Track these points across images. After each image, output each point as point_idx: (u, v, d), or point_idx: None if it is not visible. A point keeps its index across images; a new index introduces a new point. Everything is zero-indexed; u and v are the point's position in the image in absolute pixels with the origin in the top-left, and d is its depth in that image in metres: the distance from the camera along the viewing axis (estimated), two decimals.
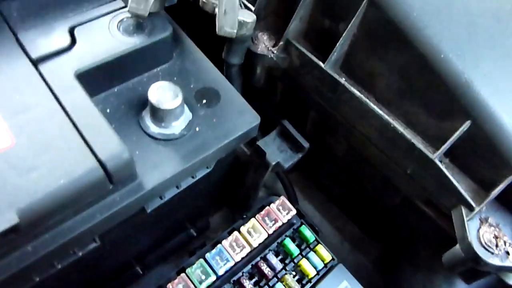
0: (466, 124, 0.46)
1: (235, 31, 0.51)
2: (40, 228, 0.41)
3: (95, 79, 0.50)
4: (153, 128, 0.50)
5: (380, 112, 0.51)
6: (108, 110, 0.51)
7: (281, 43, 0.57)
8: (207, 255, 0.59)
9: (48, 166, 0.40)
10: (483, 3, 0.51)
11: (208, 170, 0.56)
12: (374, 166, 0.57)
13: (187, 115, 0.52)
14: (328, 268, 0.61)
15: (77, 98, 0.46)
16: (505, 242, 0.46)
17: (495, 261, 0.45)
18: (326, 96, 0.56)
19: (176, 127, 0.51)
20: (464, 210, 0.47)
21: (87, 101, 0.45)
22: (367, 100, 0.52)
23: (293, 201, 0.77)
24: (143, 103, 0.52)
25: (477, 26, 0.49)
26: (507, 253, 0.45)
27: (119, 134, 0.44)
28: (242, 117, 0.54)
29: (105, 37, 0.51)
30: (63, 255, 0.46)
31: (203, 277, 0.57)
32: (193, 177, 0.55)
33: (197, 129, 0.52)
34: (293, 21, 0.56)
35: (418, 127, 0.51)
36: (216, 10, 0.51)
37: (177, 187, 0.54)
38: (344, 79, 0.55)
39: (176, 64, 0.57)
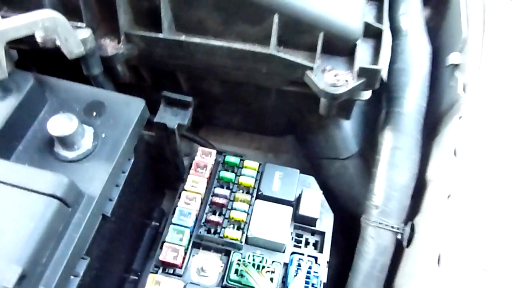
0: (276, 17, 0.62)
1: (82, 48, 0.61)
2: (38, 267, 0.50)
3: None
4: (70, 155, 0.60)
5: (221, 43, 0.65)
6: (26, 164, 0.59)
7: (122, 37, 0.68)
8: (173, 220, 0.71)
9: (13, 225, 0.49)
10: None
11: (131, 161, 0.67)
12: (243, 84, 0.73)
13: (88, 130, 0.62)
14: (261, 172, 0.77)
15: None
16: (342, 75, 0.64)
17: (342, 89, 0.63)
18: (179, 56, 0.69)
19: (86, 143, 0.60)
20: (309, 73, 0.65)
21: (7, 163, 0.53)
22: (207, 41, 0.66)
23: (210, 146, 0.91)
24: (49, 142, 0.60)
25: None
26: (346, 80, 0.64)
27: None
28: (130, 107, 0.65)
29: None
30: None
31: (180, 235, 0.70)
32: (123, 172, 0.66)
33: (103, 135, 0.62)
34: (120, 17, 0.66)
35: (250, 38, 0.66)
36: (58, 42, 0.60)
37: (117, 186, 0.64)
38: (184, 36, 0.68)
39: (54, 101, 0.65)
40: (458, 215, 0.56)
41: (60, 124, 0.58)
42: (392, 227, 0.65)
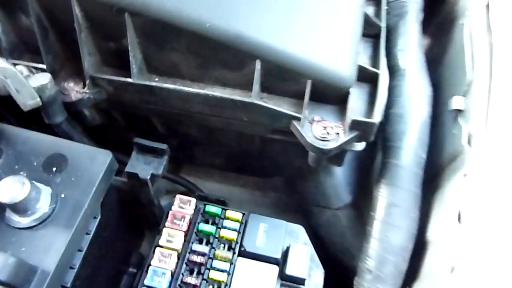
0: (258, 64, 0.55)
1: (38, 99, 0.54)
2: None
3: None
4: (24, 221, 0.53)
5: (196, 90, 0.58)
6: None
7: (87, 81, 0.61)
8: (145, 281, 0.64)
9: None
10: None
11: (97, 219, 0.60)
12: (223, 129, 0.66)
13: (45, 190, 0.55)
14: (244, 223, 0.70)
15: None
16: (332, 127, 0.57)
17: (332, 144, 0.56)
18: (151, 101, 0.62)
19: (43, 206, 0.53)
20: (295, 123, 0.58)
21: None
22: (182, 87, 0.59)
23: (192, 188, 0.84)
24: (0, 206, 0.53)
25: None
26: (337, 133, 0.57)
27: None
28: (95, 161, 0.58)
29: None
30: None
31: None
32: (88, 233, 0.59)
33: (63, 195, 0.55)
34: (84, 58, 0.59)
35: (229, 83, 0.59)
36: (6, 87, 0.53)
37: (80, 250, 0.57)
38: (156, 79, 0.61)
39: (9, 153, 0.58)
40: None
41: (9, 189, 0.51)
42: None
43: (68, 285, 0.55)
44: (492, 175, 0.55)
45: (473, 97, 0.62)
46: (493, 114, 0.59)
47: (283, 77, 0.57)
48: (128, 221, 0.78)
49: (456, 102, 0.64)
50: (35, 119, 0.62)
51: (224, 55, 0.56)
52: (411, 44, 0.71)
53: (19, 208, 0.51)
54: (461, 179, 0.57)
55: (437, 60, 0.80)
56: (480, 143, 0.58)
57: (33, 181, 0.53)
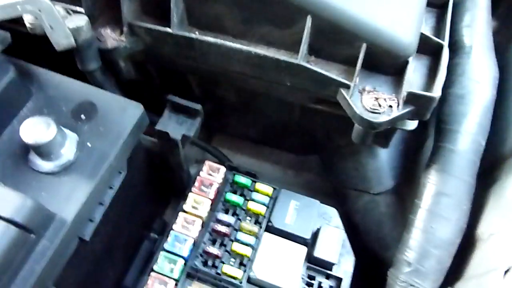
0: (309, 21, 0.50)
1: (72, 39, 0.51)
2: None
3: None
4: (46, 165, 0.50)
5: (239, 46, 0.54)
6: None
7: (125, 29, 0.57)
8: (165, 246, 0.61)
9: None
10: None
11: (122, 175, 0.57)
12: (263, 94, 0.61)
13: (71, 137, 0.52)
14: (274, 199, 0.66)
15: None
16: (385, 99, 0.51)
17: (383, 117, 0.50)
18: (190, 56, 0.58)
19: (67, 153, 0.51)
20: (344, 91, 0.52)
21: None
22: (224, 42, 0.54)
23: (222, 159, 0.80)
24: (25, 148, 0.51)
25: None
26: (390, 106, 0.51)
27: (17, 187, 0.44)
28: (125, 113, 0.55)
29: None
30: None
31: (172, 265, 0.60)
32: (111, 188, 0.56)
33: (89, 144, 0.53)
34: (123, 3, 0.56)
35: (275, 42, 0.54)
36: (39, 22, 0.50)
37: (101, 204, 0.55)
38: (197, 32, 0.57)
39: (39, 97, 0.56)
40: None
41: (34, 129, 0.48)
42: None
43: (87, 237, 0.53)
44: None
45: None
46: None
47: (336, 38, 0.51)
48: (155, 184, 0.76)
49: None
50: (69, 65, 0.59)
51: (273, 9, 0.51)
52: (479, 20, 0.64)
53: (43, 151, 0.49)
54: None
55: (504, 44, 0.72)
56: None
57: (60, 126, 0.50)
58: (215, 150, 0.81)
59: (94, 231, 0.54)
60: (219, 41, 0.54)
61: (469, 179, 0.55)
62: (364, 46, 0.50)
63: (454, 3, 0.65)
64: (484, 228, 0.55)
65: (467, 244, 0.55)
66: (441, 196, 0.55)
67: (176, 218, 0.64)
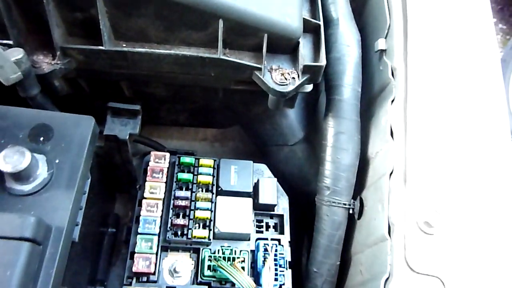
0: (221, 23, 0.63)
1: (19, 72, 0.56)
2: None
3: None
4: (26, 188, 0.57)
5: (166, 51, 0.65)
6: None
7: (57, 53, 0.63)
8: (139, 229, 0.72)
9: None
10: None
11: (89, 180, 0.66)
12: (190, 86, 0.73)
13: (41, 158, 0.58)
14: (216, 169, 0.80)
15: None
16: (288, 73, 0.68)
17: (290, 87, 0.67)
18: (122, 66, 0.67)
19: (41, 173, 0.58)
20: (257, 73, 0.67)
21: None
22: (152, 50, 0.64)
23: (161, 148, 0.90)
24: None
25: None
26: (293, 78, 0.68)
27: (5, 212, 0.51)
28: (79, 126, 0.63)
29: None
30: None
31: (149, 243, 0.71)
32: (84, 193, 0.64)
33: (57, 161, 0.60)
34: (53, 30, 0.62)
35: (194, 43, 0.66)
36: None
37: (80, 208, 0.63)
38: (124, 45, 0.66)
39: None
40: (400, 190, 0.65)
41: (11, 159, 0.54)
42: (344, 204, 0.73)
43: (76, 239, 0.61)
44: (414, 98, 0.70)
45: (393, 38, 0.76)
46: (410, 50, 0.73)
47: (243, 33, 0.65)
48: (105, 183, 0.83)
49: (380, 44, 0.78)
50: (7, 95, 0.64)
51: (190, 17, 0.62)
52: None
53: (22, 176, 0.55)
54: (390, 103, 0.72)
55: (359, 9, 0.94)
56: (402, 74, 0.73)
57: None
58: (149, 140, 0.91)
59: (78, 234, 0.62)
60: (149, 50, 0.64)
61: (355, 117, 0.76)
62: (265, 36, 0.65)
63: None
64: (371, 149, 0.76)
65: (363, 163, 0.76)
66: (339, 134, 0.75)
67: (140, 206, 0.74)
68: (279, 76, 0.67)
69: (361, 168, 0.76)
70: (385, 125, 0.72)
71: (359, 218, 0.74)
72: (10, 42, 0.61)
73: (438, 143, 0.67)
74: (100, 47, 0.63)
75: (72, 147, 0.61)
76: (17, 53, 0.58)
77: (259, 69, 0.67)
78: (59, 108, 0.74)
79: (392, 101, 0.72)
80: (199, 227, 0.75)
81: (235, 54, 0.68)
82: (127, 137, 0.71)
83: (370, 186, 0.73)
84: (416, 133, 0.68)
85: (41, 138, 0.61)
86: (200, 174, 0.78)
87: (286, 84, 0.67)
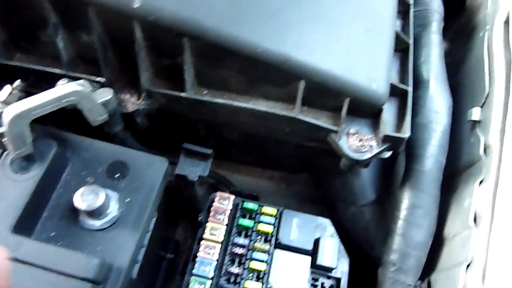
0: (302, 83, 0.61)
1: (106, 115, 0.60)
2: None
3: (25, 224, 0.57)
4: (97, 223, 0.60)
5: (244, 104, 0.65)
6: (52, 234, 0.59)
7: (143, 94, 0.66)
8: (194, 271, 0.73)
9: None
10: None
11: (155, 218, 0.68)
12: (264, 137, 0.72)
13: (113, 196, 0.61)
14: (278, 219, 0.78)
15: (26, 246, 0.54)
16: (366, 140, 0.64)
17: (367, 155, 0.63)
18: (201, 112, 0.68)
19: (112, 210, 0.60)
20: (333, 135, 0.64)
21: (41, 245, 0.53)
22: (231, 102, 0.65)
23: (225, 183, 0.91)
24: (74, 209, 0.60)
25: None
26: (371, 146, 0.64)
27: (74, 245, 0.54)
28: (153, 167, 0.65)
29: (7, 185, 0.57)
30: None
31: (202, 286, 0.72)
32: (148, 232, 0.66)
33: (128, 200, 0.62)
34: (142, 73, 0.65)
35: (273, 97, 0.65)
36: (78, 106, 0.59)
37: (143, 246, 0.65)
38: (205, 91, 0.67)
39: (75, 161, 0.64)
40: (479, 285, 0.58)
41: (87, 197, 0.57)
42: (409, 285, 0.67)
43: (134, 276, 0.63)
44: (507, 183, 0.62)
45: (490, 109, 0.69)
46: (510, 126, 0.66)
47: (324, 94, 0.63)
48: (170, 213, 0.86)
49: (474, 114, 0.71)
50: (91, 127, 0.68)
51: (272, 75, 0.62)
52: (434, 56, 0.77)
53: (95, 213, 0.58)
54: (477, 185, 0.65)
55: (455, 66, 0.87)
56: (496, 153, 0.65)
57: (104, 188, 0.59)
58: (216, 174, 0.92)
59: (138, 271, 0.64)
60: (227, 101, 0.65)
61: (435, 191, 0.70)
62: (347, 99, 0.62)
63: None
64: (449, 230, 0.69)
65: (437, 243, 0.70)
66: (414, 208, 0.69)
67: (198, 245, 0.75)
68: (356, 142, 0.64)
69: (433, 246, 0.70)
70: (469, 207, 0.65)
71: None
72: (100, 79, 0.65)
73: None
74: (182, 94, 0.65)
75: (144, 187, 0.63)
76: (107, 94, 0.62)
77: (335, 131, 0.64)
78: (137, 138, 0.78)
79: (481, 182, 0.65)
80: (252, 278, 0.73)
81: (312, 113, 0.66)
82: (197, 178, 0.72)
83: (442, 271, 0.67)
84: (505, 224, 0.60)
85: (117, 175, 0.64)
86: (261, 222, 0.77)
87: (363, 152, 0.63)
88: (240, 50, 0.59)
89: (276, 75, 0.61)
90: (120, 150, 0.66)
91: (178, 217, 0.96)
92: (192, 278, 0.72)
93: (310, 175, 0.91)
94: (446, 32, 0.90)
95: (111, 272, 0.57)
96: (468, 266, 0.60)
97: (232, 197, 0.79)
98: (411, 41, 0.71)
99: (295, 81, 0.61)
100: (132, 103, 0.68)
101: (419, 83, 0.75)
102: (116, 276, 0.57)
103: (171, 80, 0.67)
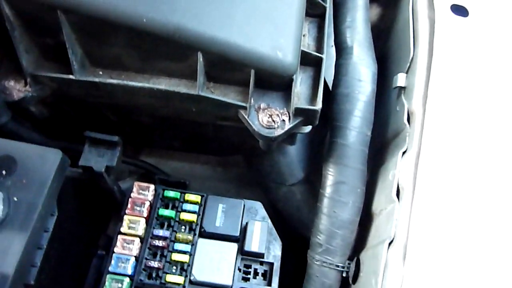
0: (200, 56, 0.55)
1: None
2: None
3: None
4: None
5: (141, 84, 0.58)
6: None
7: (28, 79, 0.59)
8: (110, 268, 0.67)
9: None
10: None
11: (55, 216, 0.61)
12: (177, 119, 0.66)
13: None
14: (203, 205, 0.73)
15: None
16: (278, 115, 0.58)
17: (278, 131, 0.58)
18: (97, 95, 0.61)
19: None
20: (242, 112, 0.59)
21: None
22: (126, 82, 0.58)
23: (153, 171, 0.85)
24: None
25: None
26: (283, 120, 0.58)
27: None
28: (45, 161, 0.58)
29: None
30: None
31: (119, 284, 0.66)
32: (46, 231, 0.60)
33: (15, 198, 0.56)
34: (22, 56, 0.57)
35: (175, 74, 0.59)
36: None
37: (40, 248, 0.59)
38: (100, 72, 0.60)
39: None
40: (397, 266, 0.54)
41: None
42: (337, 265, 0.63)
43: (31, 282, 0.58)
44: (428, 153, 0.58)
45: (414, 74, 0.64)
46: (432, 92, 0.61)
47: (227, 67, 0.57)
48: (91, 208, 0.80)
49: (400, 79, 0.66)
50: None
51: (164, 48, 0.55)
52: (358, 20, 0.71)
53: None
54: (400, 156, 0.61)
55: (386, 31, 0.81)
56: (419, 121, 0.61)
57: None
58: (144, 163, 0.86)
59: (37, 274, 0.59)
60: (121, 81, 0.58)
61: (360, 166, 0.65)
62: (252, 71, 0.56)
63: (336, 3, 0.73)
64: (376, 205, 0.65)
65: (366, 220, 0.66)
66: (339, 184, 0.64)
67: (116, 240, 0.69)
68: (266, 118, 0.58)
69: (363, 224, 0.65)
70: (392, 180, 0.60)
71: (353, 282, 0.64)
72: None
73: (449, 214, 0.55)
74: (70, 76, 0.58)
75: (34, 183, 0.57)
76: None
77: (244, 108, 0.58)
78: (47, 132, 0.71)
79: (404, 152, 0.61)
80: (175, 271, 0.68)
81: (220, 89, 0.60)
82: (103, 169, 0.65)
83: (369, 249, 0.63)
84: (425, 198, 0.56)
85: (3, 172, 0.57)
86: (184, 211, 0.72)
87: (274, 128, 0.58)
88: (123, 22, 0.52)
89: (168, 49, 0.55)
90: (7, 144, 0.59)
91: (106, 211, 0.89)
92: (108, 276, 0.67)
93: (242, 156, 0.86)
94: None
95: None
96: (390, 243, 0.56)
97: (152, 186, 0.73)
98: (327, 5, 0.65)
99: (191, 54, 0.55)
100: (18, 90, 0.60)
101: (342, 50, 0.69)
102: (2, 282, 0.51)
103: (59, 62, 0.60)
